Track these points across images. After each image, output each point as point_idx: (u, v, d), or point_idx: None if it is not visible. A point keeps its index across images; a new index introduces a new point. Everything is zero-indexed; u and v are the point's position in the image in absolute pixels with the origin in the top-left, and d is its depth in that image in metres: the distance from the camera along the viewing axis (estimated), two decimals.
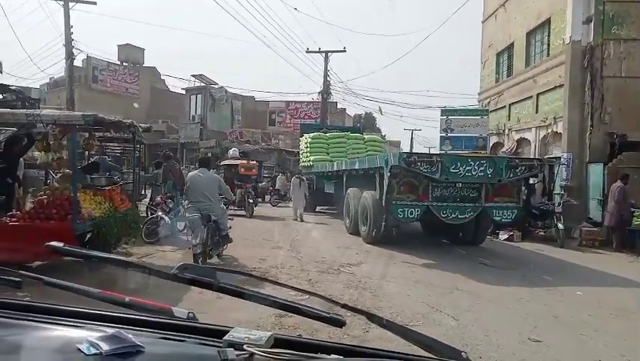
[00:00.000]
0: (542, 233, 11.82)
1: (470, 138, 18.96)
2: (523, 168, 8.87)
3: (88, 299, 0.97)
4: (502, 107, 18.00)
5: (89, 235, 5.87)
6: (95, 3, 20.21)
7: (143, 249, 7.60)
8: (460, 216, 8.77)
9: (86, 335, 0.84)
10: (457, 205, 8.76)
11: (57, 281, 1.00)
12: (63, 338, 0.86)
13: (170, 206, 8.63)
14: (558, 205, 11.57)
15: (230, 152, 19.48)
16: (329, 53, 26.08)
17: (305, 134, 16.59)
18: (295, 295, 1.28)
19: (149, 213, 9.15)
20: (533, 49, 15.85)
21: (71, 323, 0.91)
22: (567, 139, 12.63)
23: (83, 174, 6.94)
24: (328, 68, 26.17)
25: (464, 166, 8.60)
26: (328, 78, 26.41)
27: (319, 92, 26.64)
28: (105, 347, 0.80)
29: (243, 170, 15.51)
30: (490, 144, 18.94)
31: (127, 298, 0.96)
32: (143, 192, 10.38)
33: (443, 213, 8.69)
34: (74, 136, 5.42)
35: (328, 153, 14.85)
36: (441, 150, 19.24)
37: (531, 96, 15.42)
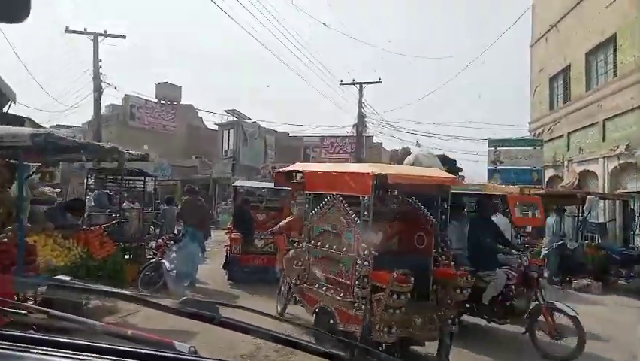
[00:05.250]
0: (625, 283, 9.67)
1: (522, 171, 17.00)
2: None
3: (92, 333, 1.01)
4: (558, 137, 16.06)
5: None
6: (124, 37, 20.07)
7: (129, 304, 6.17)
8: None
9: None
10: None
11: (62, 314, 1.05)
12: None
13: (174, 249, 7.26)
14: None
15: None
16: (363, 85, 24.99)
17: None
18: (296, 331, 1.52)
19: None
20: (595, 70, 14.04)
21: (74, 357, 0.91)
22: None
23: (60, 213, 5.72)
24: (363, 100, 25.00)
25: None
26: (363, 110, 25.20)
27: (354, 125, 25.39)
28: None
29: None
30: (546, 178, 16.88)
31: (129, 332, 1.00)
32: (152, 231, 9.18)
33: None
34: (21, 162, 4.22)
35: None
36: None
37: (596, 122, 13.49)
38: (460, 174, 9.66)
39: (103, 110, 39.87)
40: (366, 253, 4.24)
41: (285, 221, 6.92)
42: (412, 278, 4.08)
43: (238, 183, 11.02)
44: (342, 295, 4.47)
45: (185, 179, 32.54)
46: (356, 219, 4.43)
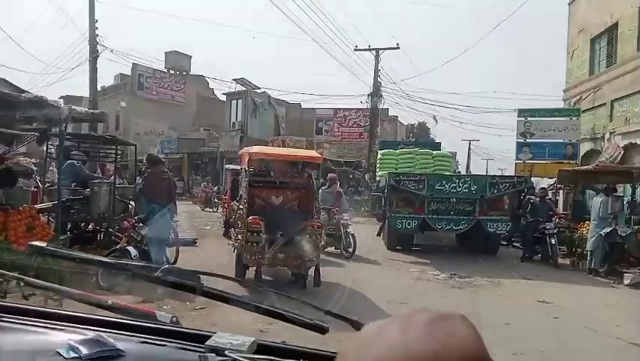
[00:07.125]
0: None
1: (556, 144, 15.28)
2: (506, 184, 9.86)
3: (70, 301, 0.98)
4: (600, 105, 14.23)
5: None
6: None
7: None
8: (454, 228, 9.90)
9: (67, 338, 0.82)
10: (451, 218, 9.76)
11: (39, 282, 1.06)
12: (43, 341, 0.85)
13: (142, 233, 5.97)
14: None
15: None
16: (380, 51, 23.15)
17: (379, 151, 16.97)
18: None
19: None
20: None
21: (52, 326, 0.88)
22: None
23: None
24: (379, 68, 23.18)
25: (449, 184, 9.80)
26: (379, 79, 23.41)
27: (368, 95, 23.66)
28: (85, 350, 0.79)
29: None
30: (582, 152, 15.14)
31: (109, 301, 0.96)
32: (130, 209, 7.91)
33: (438, 225, 9.80)
34: None
35: (397, 169, 13.81)
36: (517, 159, 15.71)
37: None
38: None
39: (111, 80, 38.60)
40: (241, 205, 6.33)
41: None
42: (291, 224, 5.96)
43: (229, 166, 15.43)
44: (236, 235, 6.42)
45: (192, 152, 31.38)
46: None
